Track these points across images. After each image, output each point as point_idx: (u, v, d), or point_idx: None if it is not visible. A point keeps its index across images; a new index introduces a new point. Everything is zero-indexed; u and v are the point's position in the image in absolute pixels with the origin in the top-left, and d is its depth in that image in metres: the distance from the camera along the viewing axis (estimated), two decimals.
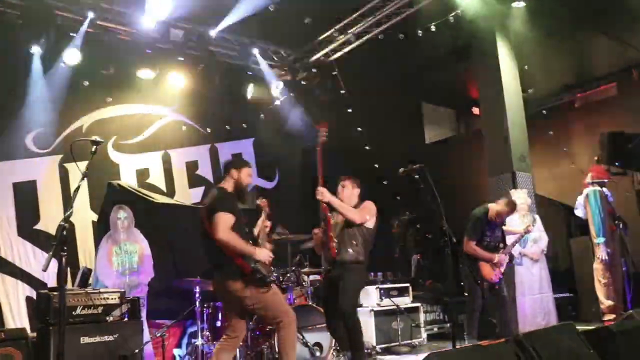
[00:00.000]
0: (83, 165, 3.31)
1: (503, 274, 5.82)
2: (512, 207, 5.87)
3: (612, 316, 6.55)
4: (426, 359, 2.89)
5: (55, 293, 4.47)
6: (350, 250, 4.78)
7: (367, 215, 4.86)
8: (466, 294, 5.81)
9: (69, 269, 6.77)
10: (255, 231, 4.56)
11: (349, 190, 5.04)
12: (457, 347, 4.10)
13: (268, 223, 4.62)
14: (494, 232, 5.91)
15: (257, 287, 4.13)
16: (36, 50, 6.76)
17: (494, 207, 5.84)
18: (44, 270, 2.90)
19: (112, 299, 4.82)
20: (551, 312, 6.72)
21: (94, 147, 3.25)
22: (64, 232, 2.84)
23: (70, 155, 6.77)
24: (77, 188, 3.02)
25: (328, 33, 8.42)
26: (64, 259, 2.85)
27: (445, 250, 4.90)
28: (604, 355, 4.00)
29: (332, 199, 4.79)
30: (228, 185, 4.39)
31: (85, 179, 3.13)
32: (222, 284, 4.21)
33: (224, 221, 4.05)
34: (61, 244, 2.81)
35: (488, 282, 5.74)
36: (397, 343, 6.78)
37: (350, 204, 4.95)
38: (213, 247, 4.16)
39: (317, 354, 5.45)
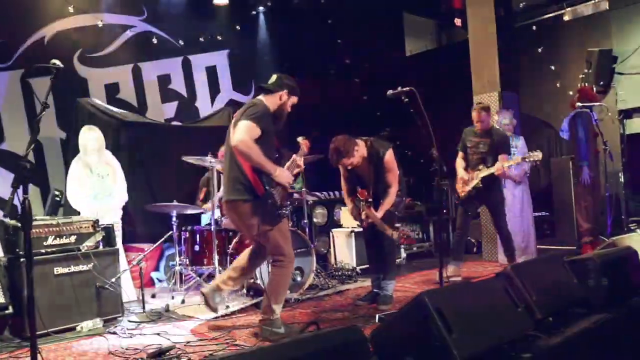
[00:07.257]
0: (45, 82, 2.97)
1: None
2: None
3: (590, 238, 6.60)
4: (416, 298, 2.80)
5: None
6: None
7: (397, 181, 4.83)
8: None
9: (39, 190, 6.60)
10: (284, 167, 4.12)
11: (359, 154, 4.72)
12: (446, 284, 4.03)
13: (301, 163, 4.16)
14: None
15: (266, 217, 3.76)
16: None
17: None
18: (5, 215, 2.65)
19: (85, 227, 4.60)
20: (531, 233, 6.72)
21: (55, 72, 2.87)
22: (27, 172, 2.58)
23: (33, 71, 6.54)
24: (37, 121, 2.72)
25: None
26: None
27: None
28: (588, 284, 4.02)
29: (379, 216, 4.74)
30: (271, 102, 3.96)
31: (46, 108, 2.79)
32: (231, 203, 3.88)
33: (249, 129, 3.65)
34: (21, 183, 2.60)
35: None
36: None
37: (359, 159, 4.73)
38: (230, 163, 3.86)
39: (298, 278, 5.40)
